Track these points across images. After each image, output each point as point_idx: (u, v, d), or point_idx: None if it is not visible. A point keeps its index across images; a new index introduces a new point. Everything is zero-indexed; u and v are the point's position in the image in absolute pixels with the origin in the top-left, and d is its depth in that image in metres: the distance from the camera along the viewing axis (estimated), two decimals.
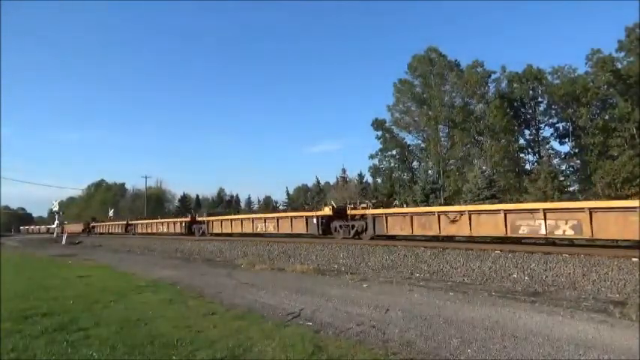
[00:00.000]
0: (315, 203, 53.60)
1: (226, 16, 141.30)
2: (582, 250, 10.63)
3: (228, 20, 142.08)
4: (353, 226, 17.40)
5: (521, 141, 45.82)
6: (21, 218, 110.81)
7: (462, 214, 13.02)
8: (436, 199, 37.54)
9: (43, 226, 73.45)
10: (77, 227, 50.21)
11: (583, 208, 10.36)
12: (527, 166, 44.36)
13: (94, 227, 46.66)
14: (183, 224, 29.01)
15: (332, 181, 60.67)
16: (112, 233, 41.16)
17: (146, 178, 68.64)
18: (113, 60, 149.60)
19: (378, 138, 49.65)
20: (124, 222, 40.69)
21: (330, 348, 4.51)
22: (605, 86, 38.06)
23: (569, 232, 10.66)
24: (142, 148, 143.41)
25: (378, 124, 49.27)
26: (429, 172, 44.27)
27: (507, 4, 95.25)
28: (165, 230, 31.67)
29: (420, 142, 49.36)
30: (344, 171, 57.65)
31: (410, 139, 49.90)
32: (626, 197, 11.72)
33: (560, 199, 24.17)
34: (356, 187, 49.57)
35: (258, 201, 74.00)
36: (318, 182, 63.34)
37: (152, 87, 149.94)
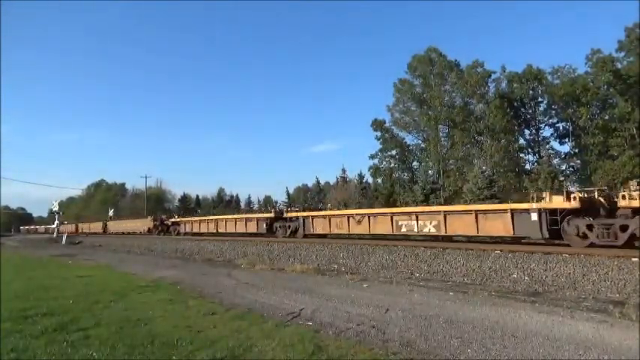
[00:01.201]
0: (316, 203, 53.64)
1: (227, 15, 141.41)
2: (582, 250, 10.63)
3: (228, 20, 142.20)
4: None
5: (521, 141, 45.84)
6: (21, 218, 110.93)
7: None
8: (436, 199, 37.55)
9: (47, 226, 71.93)
10: (137, 224, 40.09)
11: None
12: (527, 166, 44.36)
13: (175, 224, 33.84)
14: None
15: (332, 181, 60.71)
16: (215, 234, 26.84)
17: (146, 178, 68.61)
18: (113, 60, 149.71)
19: (377, 138, 49.66)
20: (255, 215, 25.57)
21: (330, 348, 4.51)
22: (605, 86, 38.02)
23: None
24: (142, 148, 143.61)
25: (377, 125, 49.22)
26: (429, 172, 44.25)
27: (507, 4, 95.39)
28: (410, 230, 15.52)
29: (420, 142, 49.37)
30: (344, 171, 57.71)
31: (410, 139, 49.90)
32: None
33: None
34: (356, 187, 49.56)
35: (258, 201, 74.00)
36: (318, 182, 63.38)
37: (152, 87, 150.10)
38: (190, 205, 74.16)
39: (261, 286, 9.35)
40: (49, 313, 6.38)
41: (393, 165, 49.80)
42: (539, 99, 44.47)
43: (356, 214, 17.76)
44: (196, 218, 32.98)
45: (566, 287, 8.73)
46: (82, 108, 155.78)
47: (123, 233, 41.17)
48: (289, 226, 21.12)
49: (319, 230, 19.46)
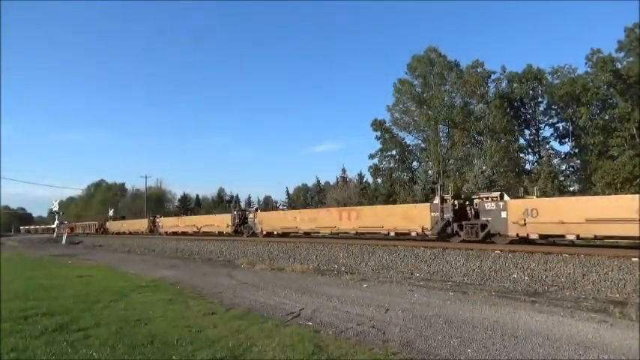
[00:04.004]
0: (316, 203, 53.56)
1: (227, 16, 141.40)
2: (582, 250, 10.64)
3: (229, 20, 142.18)
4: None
5: (521, 141, 45.83)
6: (21, 218, 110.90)
7: None
8: None
9: (50, 226, 65.53)
10: (212, 221, 29.35)
11: None
12: (527, 166, 44.36)
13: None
14: None
15: (332, 181, 60.63)
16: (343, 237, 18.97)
17: (146, 178, 68.47)
18: (113, 60, 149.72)
19: (377, 138, 49.70)
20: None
21: (330, 348, 4.51)
22: (605, 86, 38.03)
23: None
24: (142, 148, 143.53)
25: (377, 125, 49.21)
26: (429, 172, 44.25)
27: (507, 4, 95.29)
28: None
29: (420, 142, 49.40)
30: (344, 171, 57.55)
31: (410, 139, 49.94)
32: None
33: None
34: (356, 187, 49.56)
35: (258, 201, 73.96)
36: (319, 182, 63.27)
37: (152, 87, 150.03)
38: (190, 205, 74.08)
39: (261, 286, 9.35)
40: (49, 313, 6.37)
41: (393, 165, 49.82)
42: (539, 99, 44.49)
43: None
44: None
45: (566, 287, 8.74)
46: (82, 108, 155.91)
47: (184, 233, 31.49)
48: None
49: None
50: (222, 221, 27.80)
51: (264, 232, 22.86)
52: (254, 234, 23.77)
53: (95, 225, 50.50)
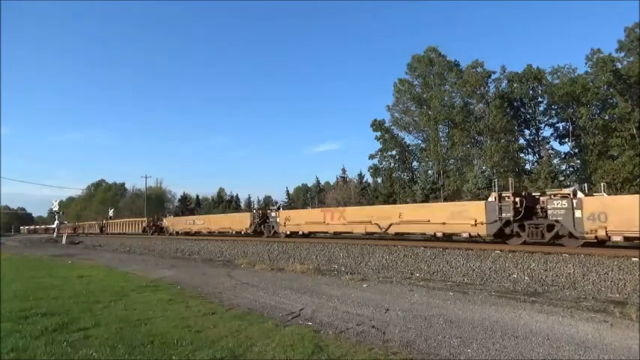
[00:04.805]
0: (316, 203, 53.53)
1: (227, 16, 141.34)
2: (582, 250, 10.63)
3: (229, 21, 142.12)
4: None
5: (521, 141, 45.84)
6: (21, 218, 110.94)
7: None
8: (436, 199, 37.53)
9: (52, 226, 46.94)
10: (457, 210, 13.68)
11: None
12: (527, 166, 44.37)
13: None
14: None
15: (332, 181, 60.66)
16: None
17: (146, 178, 68.52)
18: (113, 60, 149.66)
19: (377, 138, 49.72)
20: None
21: (330, 348, 4.51)
22: (605, 86, 38.03)
23: None
24: (142, 148, 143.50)
25: (376, 126, 49.22)
26: (429, 172, 44.25)
27: (507, 4, 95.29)
28: None
29: (419, 142, 49.42)
30: (344, 171, 57.59)
31: (410, 139, 49.99)
32: None
33: None
34: (356, 187, 49.61)
35: (258, 201, 73.98)
36: (318, 182, 63.34)
37: (153, 88, 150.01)
38: (190, 205, 74.11)
39: (261, 286, 9.35)
40: (49, 313, 6.38)
41: (392, 165, 49.85)
42: (539, 99, 44.49)
43: None
44: None
45: (566, 287, 8.73)
46: (83, 109, 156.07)
47: (336, 234, 18.18)
48: None
49: None
50: (477, 211, 13.55)
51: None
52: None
53: (142, 222, 38.14)
